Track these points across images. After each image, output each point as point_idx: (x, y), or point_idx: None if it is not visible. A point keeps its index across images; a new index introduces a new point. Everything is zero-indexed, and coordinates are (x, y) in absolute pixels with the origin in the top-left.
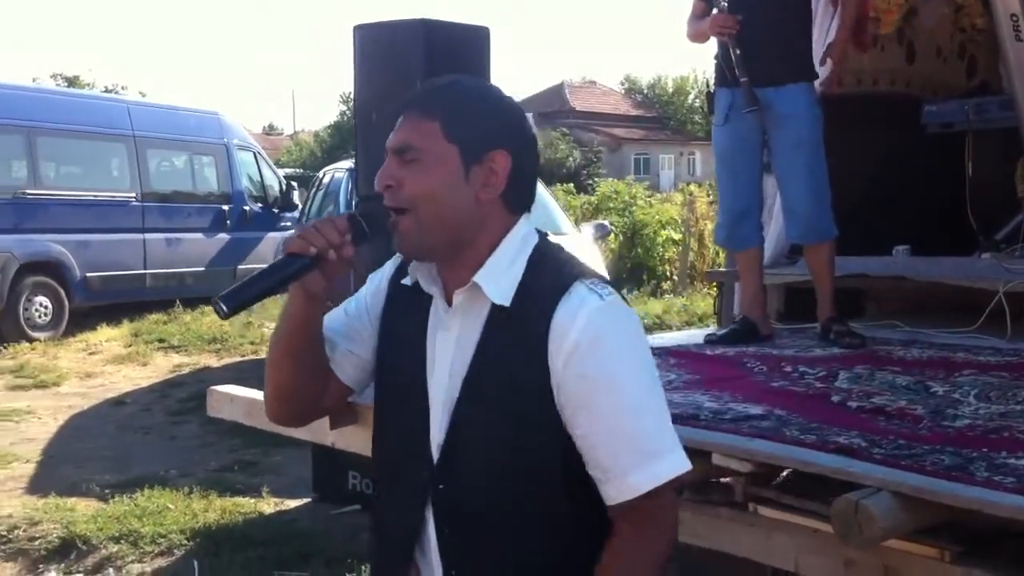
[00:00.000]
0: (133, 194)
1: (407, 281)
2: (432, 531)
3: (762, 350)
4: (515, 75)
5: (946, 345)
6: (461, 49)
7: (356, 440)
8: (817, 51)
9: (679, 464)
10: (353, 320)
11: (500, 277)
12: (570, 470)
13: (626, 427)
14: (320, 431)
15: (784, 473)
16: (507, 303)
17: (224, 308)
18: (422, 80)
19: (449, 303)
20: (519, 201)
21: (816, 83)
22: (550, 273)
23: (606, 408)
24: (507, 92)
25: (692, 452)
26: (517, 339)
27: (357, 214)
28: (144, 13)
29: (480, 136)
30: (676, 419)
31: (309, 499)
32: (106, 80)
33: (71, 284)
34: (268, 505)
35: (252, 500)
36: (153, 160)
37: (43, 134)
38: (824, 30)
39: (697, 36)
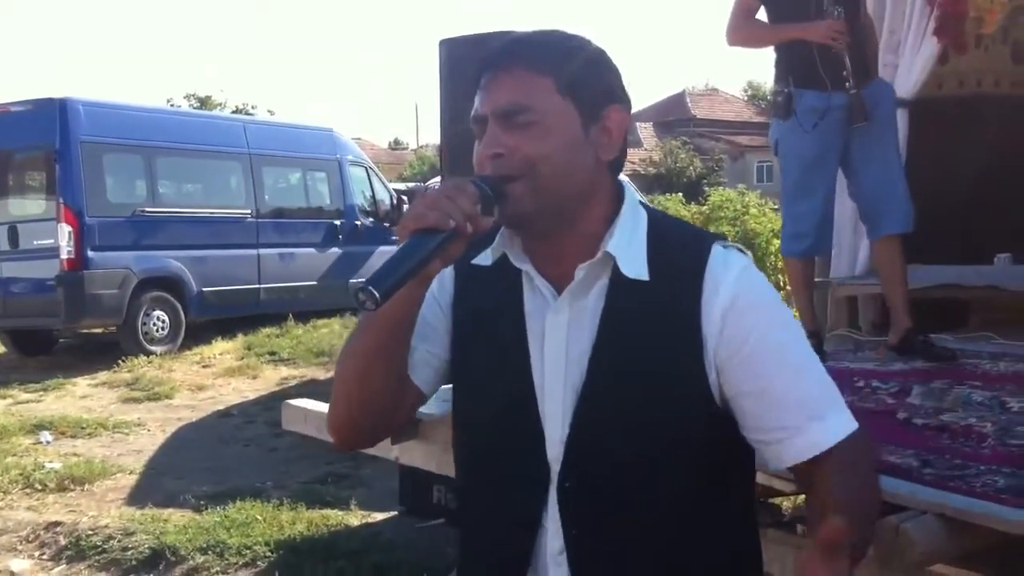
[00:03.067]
0: (249, 210)
1: (483, 260)
2: (551, 542)
3: (840, 363)
4: (635, 83)
5: None
6: None
7: (418, 455)
8: (911, 57)
9: (850, 420)
10: (423, 314)
11: (628, 248)
12: (711, 448)
13: (801, 380)
14: (383, 446)
15: None
16: (645, 276)
17: (376, 295)
18: None
19: (551, 281)
20: (621, 163)
21: (912, 87)
22: (680, 238)
23: (778, 359)
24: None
25: None
26: (656, 311)
27: (479, 181)
28: (275, 34)
29: (596, 91)
30: None
31: (396, 512)
32: (237, 100)
33: (188, 299)
34: (355, 518)
35: (340, 512)
36: (268, 177)
37: (161, 153)
38: (920, 32)
39: (761, 39)
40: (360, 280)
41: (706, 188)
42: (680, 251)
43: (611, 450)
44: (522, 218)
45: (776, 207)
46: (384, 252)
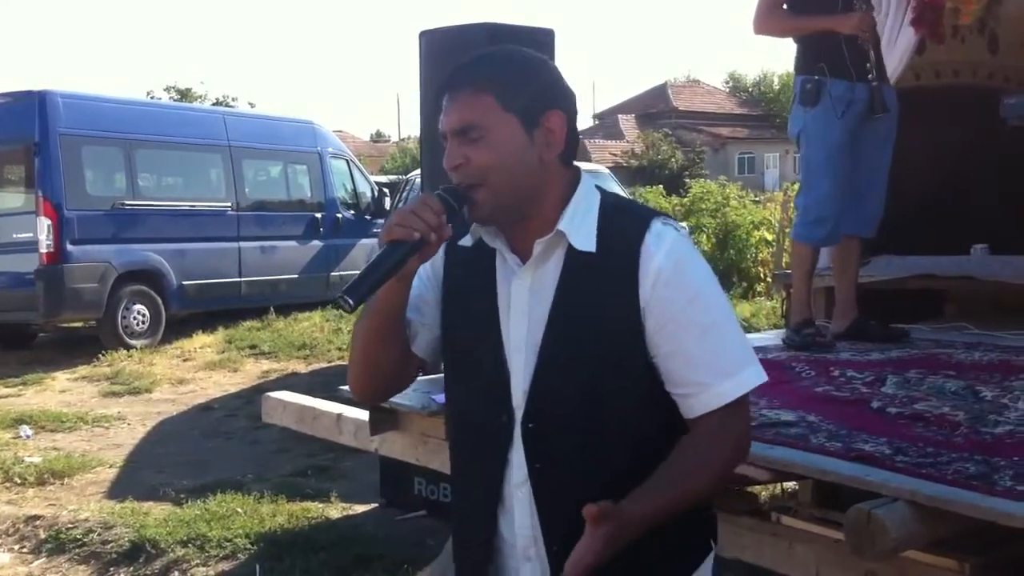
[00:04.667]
0: (229, 203)
1: (465, 242)
2: (515, 473)
3: (817, 353)
4: (617, 76)
5: (1011, 348)
6: None
7: (398, 446)
8: (888, 48)
9: (759, 375)
10: (419, 292)
11: (580, 225)
12: (650, 393)
13: (712, 340)
14: (363, 438)
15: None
16: (592, 248)
17: (350, 301)
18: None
19: (518, 255)
20: (571, 154)
21: (891, 76)
22: (625, 216)
23: (694, 323)
24: (608, 96)
25: None
26: (603, 277)
27: (443, 192)
28: (256, 26)
29: (534, 100)
30: None
31: (376, 504)
32: (218, 92)
33: (168, 292)
34: (336, 510)
35: (321, 505)
36: (248, 170)
37: (141, 146)
38: (898, 22)
39: (791, 29)
40: (341, 272)
41: (687, 180)
42: (624, 227)
43: (565, 397)
44: (486, 217)
45: (757, 199)
46: (365, 245)
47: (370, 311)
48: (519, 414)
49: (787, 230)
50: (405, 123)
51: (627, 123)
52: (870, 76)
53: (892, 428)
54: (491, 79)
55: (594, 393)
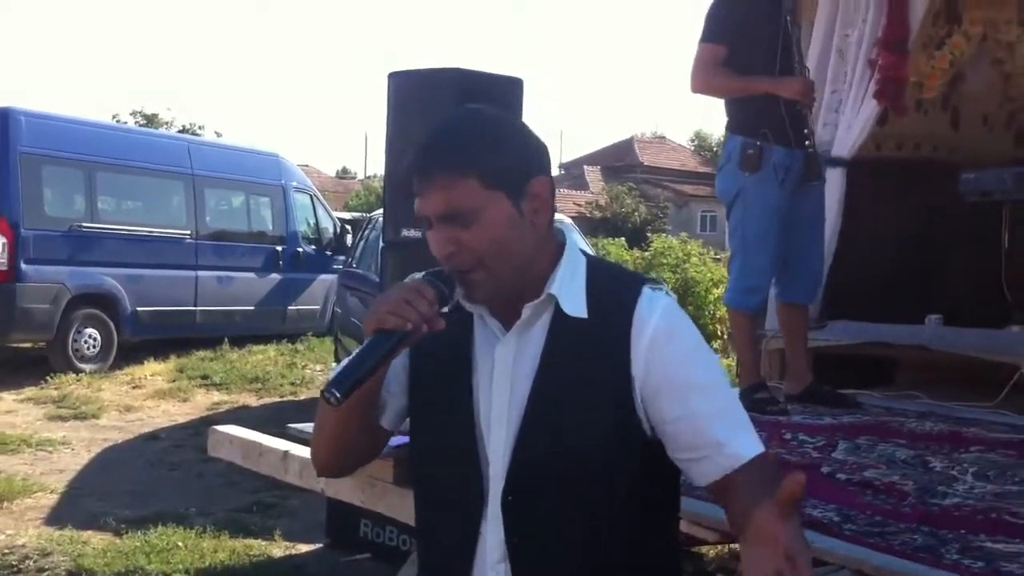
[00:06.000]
0: (188, 231)
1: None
2: (490, 552)
3: (768, 416)
4: (585, 126)
5: (961, 419)
6: (494, 99)
7: (344, 488)
8: (851, 117)
9: (759, 443)
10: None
11: (569, 289)
12: (637, 464)
13: (719, 400)
14: (309, 478)
15: None
16: (583, 314)
17: (338, 395)
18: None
19: (500, 319)
20: (552, 214)
21: (851, 147)
22: (614, 280)
23: (694, 384)
24: (575, 146)
25: None
26: (593, 342)
27: (434, 279)
28: (227, 55)
29: (519, 172)
30: None
31: (321, 545)
32: (184, 119)
33: (121, 317)
34: (279, 548)
35: (264, 543)
36: (211, 199)
37: (102, 169)
38: (861, 92)
39: (730, 90)
40: (298, 306)
41: (650, 234)
42: (615, 292)
43: (549, 469)
44: (485, 298)
45: (717, 257)
46: (324, 280)
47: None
48: (496, 487)
49: None
50: (372, 161)
51: (592, 174)
52: (807, 143)
53: (841, 495)
54: (470, 159)
55: (579, 462)
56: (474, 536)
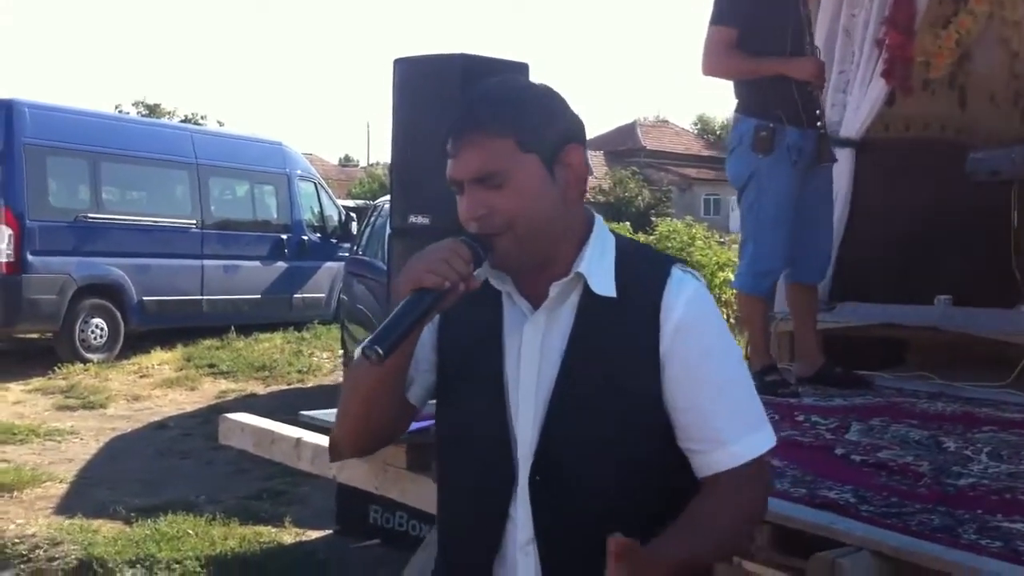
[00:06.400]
0: (194, 221)
1: None
2: (520, 532)
3: (781, 397)
4: (588, 111)
5: (972, 400)
6: None
7: (357, 473)
8: (859, 98)
9: (772, 438)
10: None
11: (597, 268)
12: (665, 444)
13: (730, 398)
14: (322, 464)
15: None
16: (612, 293)
17: (380, 351)
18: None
19: (529, 299)
20: (584, 188)
21: (859, 128)
22: (644, 260)
23: (709, 379)
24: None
25: None
26: (622, 322)
27: (470, 240)
28: (229, 44)
29: (553, 137)
30: None
31: (331, 531)
32: (187, 109)
33: (128, 307)
34: (289, 535)
35: (274, 530)
36: (215, 188)
37: (107, 159)
38: (868, 73)
39: (743, 72)
40: (303, 295)
41: (654, 218)
42: (644, 272)
43: (577, 448)
44: (511, 267)
45: (722, 240)
46: (330, 268)
47: (371, 368)
48: (525, 466)
49: None
50: (374, 149)
51: (596, 159)
52: (819, 124)
53: (856, 476)
54: (507, 120)
55: (608, 442)
56: (503, 517)
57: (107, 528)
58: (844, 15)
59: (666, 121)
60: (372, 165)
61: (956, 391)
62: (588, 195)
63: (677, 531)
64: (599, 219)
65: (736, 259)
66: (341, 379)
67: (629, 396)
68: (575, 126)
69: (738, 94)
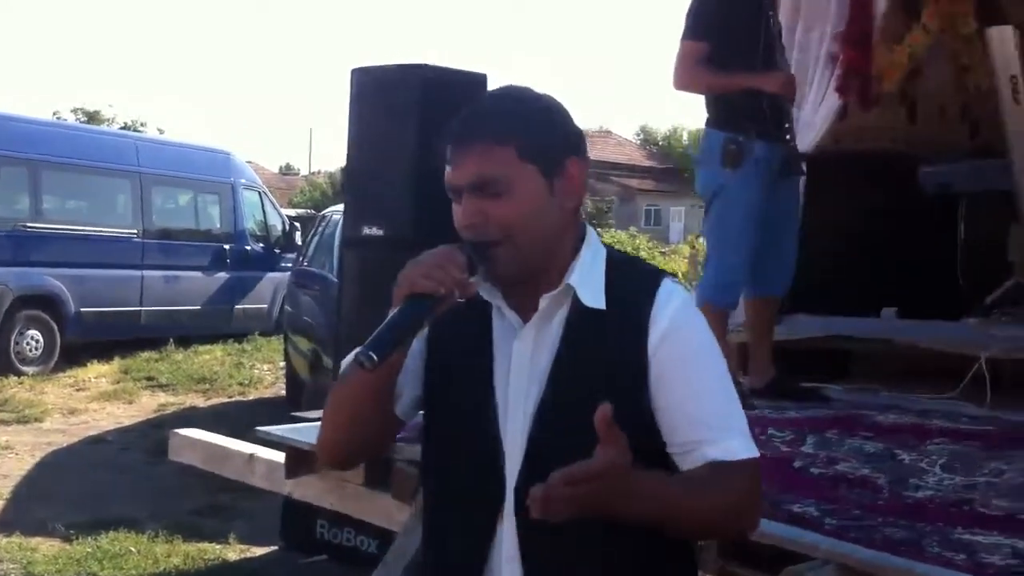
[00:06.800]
0: (135, 230)
1: None
2: (505, 546)
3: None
4: None
5: (924, 411)
6: (457, 94)
7: (313, 490)
8: (812, 113)
9: (756, 450)
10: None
11: (588, 280)
12: (653, 454)
13: (717, 400)
14: (276, 480)
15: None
16: (602, 306)
17: (375, 357)
18: (416, 124)
19: (518, 311)
20: (581, 202)
21: (811, 142)
22: (633, 272)
23: (698, 380)
24: None
25: None
26: (611, 333)
27: (466, 248)
28: (167, 51)
29: (554, 149)
30: None
31: (276, 547)
32: (127, 116)
33: (65, 318)
34: (234, 552)
35: (218, 546)
36: (158, 197)
37: (47, 167)
38: (823, 87)
39: (713, 86)
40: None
41: (597, 229)
42: (634, 284)
43: (564, 463)
44: (507, 277)
45: (664, 251)
46: (272, 278)
47: (360, 377)
48: (512, 480)
49: (694, 283)
50: (316, 157)
51: None
52: (788, 137)
53: (817, 489)
54: (510, 128)
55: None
56: (491, 530)
57: (46, 546)
58: (799, 31)
59: (609, 131)
60: (314, 174)
61: (907, 403)
62: None
63: (659, 473)
64: (591, 231)
65: (679, 270)
66: (283, 392)
67: (618, 409)
68: (577, 139)
69: (709, 108)
